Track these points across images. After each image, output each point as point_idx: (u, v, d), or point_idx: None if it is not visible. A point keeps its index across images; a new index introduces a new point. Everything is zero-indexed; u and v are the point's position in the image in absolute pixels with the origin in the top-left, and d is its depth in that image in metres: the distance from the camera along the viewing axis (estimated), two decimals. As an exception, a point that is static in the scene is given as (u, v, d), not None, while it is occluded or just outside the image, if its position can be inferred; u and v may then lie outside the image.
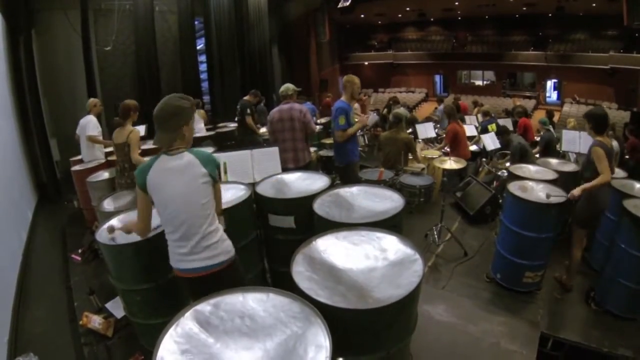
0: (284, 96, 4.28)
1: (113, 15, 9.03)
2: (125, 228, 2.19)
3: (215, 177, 1.95)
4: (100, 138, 5.14)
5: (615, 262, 3.16)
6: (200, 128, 7.58)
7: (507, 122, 7.99)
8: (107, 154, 5.24)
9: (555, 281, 3.67)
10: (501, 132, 6.16)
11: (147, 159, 2.41)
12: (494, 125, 7.01)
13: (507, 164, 5.42)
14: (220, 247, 2.03)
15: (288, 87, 4.31)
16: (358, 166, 4.49)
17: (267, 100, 10.15)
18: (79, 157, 5.58)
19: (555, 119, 11.06)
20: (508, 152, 6.44)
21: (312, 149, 5.93)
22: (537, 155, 5.73)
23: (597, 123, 3.20)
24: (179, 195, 1.90)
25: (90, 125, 4.99)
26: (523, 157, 5.17)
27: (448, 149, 5.84)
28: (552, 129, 6.74)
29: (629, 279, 3.05)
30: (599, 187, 3.10)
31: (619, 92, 15.72)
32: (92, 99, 5.27)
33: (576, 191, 3.13)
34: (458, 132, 5.74)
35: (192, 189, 1.91)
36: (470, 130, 7.15)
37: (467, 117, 9.40)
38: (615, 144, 4.74)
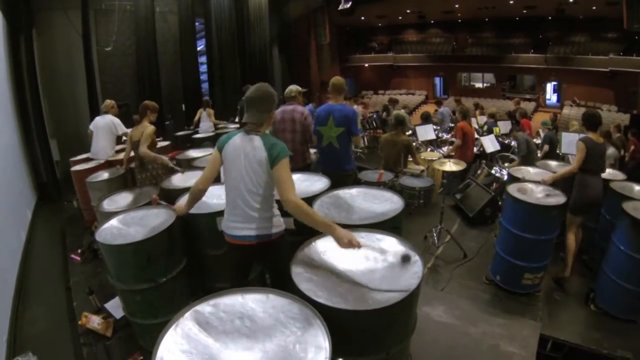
0: (288, 97, 4.25)
1: (113, 16, 9.04)
2: (179, 208, 2.50)
3: (274, 160, 2.01)
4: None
5: (615, 264, 3.16)
6: (209, 126, 7.61)
7: (507, 125, 8.03)
8: (117, 151, 5.40)
9: (553, 281, 3.68)
10: (510, 132, 6.23)
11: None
12: (498, 129, 7.04)
13: (513, 164, 5.46)
14: (272, 222, 2.16)
15: (292, 88, 4.27)
16: None
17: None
18: (79, 157, 5.59)
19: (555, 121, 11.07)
20: (508, 154, 6.47)
21: (313, 151, 5.94)
22: (540, 157, 5.75)
23: (585, 121, 3.60)
24: (242, 171, 2.09)
25: (119, 126, 5.23)
26: (530, 151, 5.26)
27: (459, 142, 5.75)
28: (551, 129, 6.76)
29: (629, 281, 3.05)
30: (583, 175, 3.50)
31: (619, 94, 15.75)
32: (109, 101, 5.40)
33: (547, 178, 3.60)
34: (467, 131, 5.74)
35: (254, 169, 2.07)
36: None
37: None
38: (611, 150, 4.86)
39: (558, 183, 3.68)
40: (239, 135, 2.14)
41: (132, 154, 4.22)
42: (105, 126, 5.15)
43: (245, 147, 2.08)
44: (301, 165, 4.07)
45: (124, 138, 5.42)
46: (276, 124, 4.14)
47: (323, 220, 1.98)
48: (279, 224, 2.21)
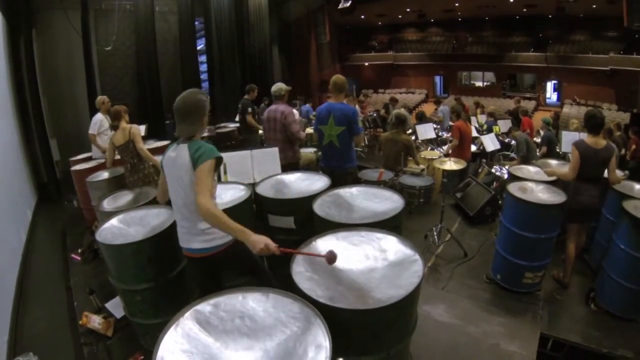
0: (278, 96, 4.38)
1: (113, 15, 9.04)
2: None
3: (196, 163, 1.92)
4: (103, 137, 5.14)
5: (615, 263, 3.16)
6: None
7: (508, 123, 8.02)
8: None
9: (553, 280, 3.68)
10: (509, 131, 6.23)
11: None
12: (498, 128, 7.03)
13: (513, 164, 5.46)
14: (214, 233, 2.06)
15: (281, 87, 4.40)
16: None
17: (270, 101, 10.17)
18: (79, 157, 5.58)
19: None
20: (508, 152, 6.47)
21: (313, 150, 5.95)
22: (539, 156, 5.74)
23: (586, 122, 3.38)
24: (175, 184, 2.05)
25: (92, 123, 5.09)
26: (530, 151, 5.24)
27: (456, 142, 5.74)
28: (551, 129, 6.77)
29: (629, 280, 3.05)
30: (575, 182, 3.35)
31: (619, 93, 15.73)
32: (100, 97, 5.30)
33: (549, 170, 3.58)
34: (464, 130, 5.72)
35: (181, 179, 2.01)
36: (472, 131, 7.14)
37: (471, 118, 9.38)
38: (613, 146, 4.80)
39: (559, 182, 3.68)
40: (172, 148, 2.08)
41: (117, 157, 4.14)
42: (96, 124, 5.10)
43: (175, 158, 2.02)
44: (283, 162, 4.12)
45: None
46: (264, 124, 4.41)
47: (236, 226, 1.83)
48: (223, 234, 2.07)
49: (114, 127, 3.96)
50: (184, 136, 2.05)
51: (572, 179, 3.35)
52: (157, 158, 4.38)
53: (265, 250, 1.79)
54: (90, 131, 5.08)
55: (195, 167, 1.91)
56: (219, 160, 1.98)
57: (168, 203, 2.32)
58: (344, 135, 3.74)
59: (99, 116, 5.13)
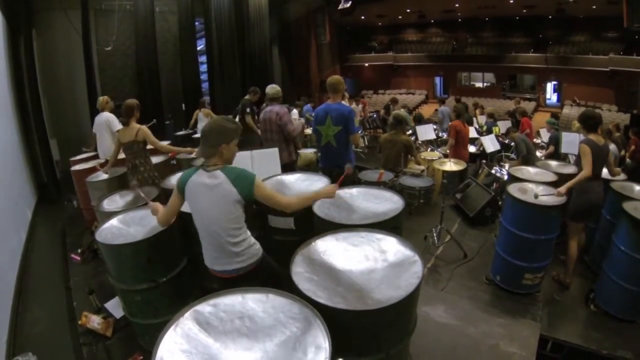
0: (276, 98, 4.45)
1: (113, 16, 9.04)
2: (154, 207, 2.36)
3: (248, 195, 2.00)
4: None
5: (615, 264, 3.16)
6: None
7: (507, 124, 8.02)
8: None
9: (553, 281, 3.68)
10: (508, 132, 6.23)
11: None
12: (497, 128, 7.03)
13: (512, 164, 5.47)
14: (247, 254, 2.12)
15: (278, 89, 4.50)
16: None
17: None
18: (79, 157, 5.58)
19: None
20: (509, 153, 6.47)
21: (312, 150, 5.95)
22: (543, 158, 5.73)
23: (584, 122, 3.44)
24: (208, 210, 2.03)
25: (115, 122, 5.02)
26: (529, 151, 5.24)
27: (452, 141, 5.71)
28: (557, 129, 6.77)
29: (629, 281, 3.05)
30: (586, 181, 3.26)
31: (619, 94, 15.74)
32: (102, 97, 5.20)
33: (562, 189, 3.26)
34: (461, 129, 5.70)
35: (220, 206, 2.01)
36: (471, 132, 7.13)
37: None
38: (612, 147, 4.78)
39: (560, 183, 3.68)
40: (197, 173, 2.06)
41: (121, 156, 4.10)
42: (103, 125, 5.04)
43: (208, 186, 2.01)
44: (284, 163, 4.15)
45: None
46: (261, 125, 4.52)
47: (311, 196, 2.27)
48: (254, 253, 2.17)
49: (125, 122, 3.87)
50: (200, 157, 2.08)
51: (590, 174, 3.25)
52: (154, 160, 4.41)
53: (334, 192, 2.27)
54: (116, 128, 4.96)
55: (250, 195, 2.00)
56: (256, 177, 2.05)
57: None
58: (340, 135, 3.78)
59: (109, 115, 5.07)
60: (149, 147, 3.99)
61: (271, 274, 2.27)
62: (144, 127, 3.88)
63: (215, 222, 2.03)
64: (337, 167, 3.82)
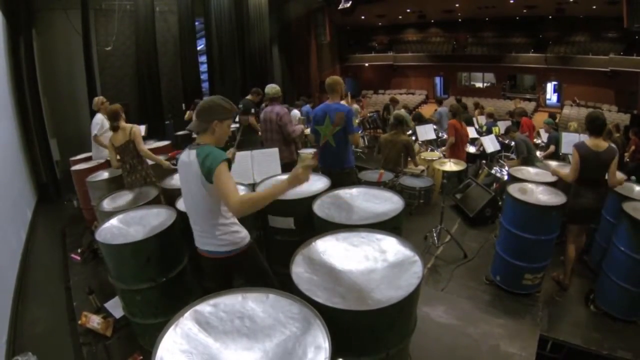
0: (273, 98, 4.46)
1: (113, 16, 9.05)
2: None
3: (207, 177, 1.92)
4: (106, 137, 5.09)
5: (615, 265, 3.16)
6: None
7: (508, 124, 8.01)
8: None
9: (553, 281, 3.68)
10: (508, 131, 6.21)
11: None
12: (497, 129, 7.02)
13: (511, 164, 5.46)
14: (228, 239, 2.13)
15: (277, 89, 4.50)
16: None
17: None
18: (79, 157, 5.58)
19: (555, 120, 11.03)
20: (509, 153, 6.46)
21: (312, 150, 5.94)
22: (541, 157, 5.73)
23: (588, 124, 3.38)
24: (185, 188, 2.13)
25: (93, 124, 5.02)
26: (529, 152, 5.24)
27: (453, 139, 5.69)
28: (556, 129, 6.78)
29: (628, 282, 3.05)
30: (575, 184, 3.39)
31: (619, 94, 15.74)
32: (97, 98, 5.19)
33: (554, 168, 3.60)
34: (458, 129, 5.69)
35: (192, 186, 2.05)
36: (471, 132, 7.13)
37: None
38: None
39: (560, 183, 3.68)
40: (184, 152, 2.13)
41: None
42: (99, 125, 5.01)
43: (186, 162, 2.07)
44: (285, 162, 4.15)
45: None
46: (261, 125, 4.56)
47: (273, 191, 1.95)
48: (234, 241, 2.14)
49: (114, 127, 3.86)
50: (192, 130, 2.12)
51: (572, 180, 3.38)
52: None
53: (306, 175, 1.96)
54: (93, 132, 5.02)
55: (210, 177, 1.89)
56: (229, 162, 1.96)
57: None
58: (339, 135, 3.76)
59: (99, 117, 5.07)
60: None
61: (256, 270, 2.29)
62: (136, 127, 3.88)
63: (191, 200, 2.09)
64: (336, 168, 3.84)
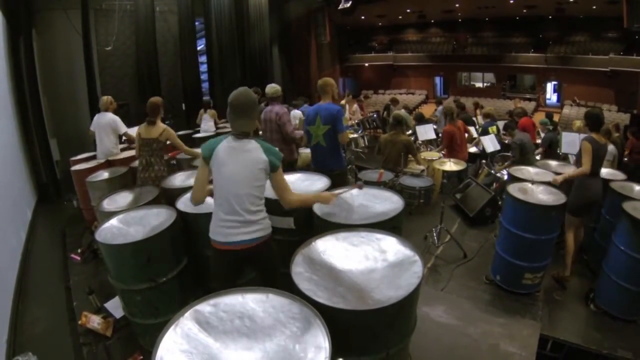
0: (276, 97, 4.47)
1: (114, 15, 9.05)
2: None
3: (274, 167, 2.14)
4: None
5: (615, 264, 3.16)
6: (209, 126, 7.67)
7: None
8: (122, 149, 5.34)
9: (553, 280, 3.68)
10: (506, 128, 6.19)
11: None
12: (494, 128, 7.00)
13: (505, 166, 5.45)
14: (263, 223, 2.22)
15: (278, 89, 4.51)
16: None
17: (267, 102, 10.16)
18: (79, 157, 5.57)
19: (555, 120, 11.02)
20: (508, 154, 6.45)
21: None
22: (538, 158, 5.72)
23: (590, 121, 3.55)
24: (237, 173, 2.11)
25: (119, 123, 5.03)
26: (523, 154, 5.23)
27: (443, 147, 5.74)
28: (551, 129, 6.75)
29: (628, 281, 3.05)
30: (584, 177, 3.47)
31: (619, 94, 15.74)
32: (106, 97, 5.15)
33: (559, 178, 3.52)
34: (454, 134, 5.68)
35: (249, 170, 2.11)
36: (472, 132, 7.11)
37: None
38: (611, 147, 4.80)
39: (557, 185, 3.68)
40: (227, 140, 2.14)
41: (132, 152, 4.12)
42: (107, 125, 4.98)
43: (238, 150, 2.11)
44: (285, 161, 4.10)
45: (124, 138, 5.39)
46: (261, 125, 4.53)
47: (313, 199, 2.45)
48: (268, 225, 2.28)
49: (152, 122, 3.84)
50: (242, 130, 2.16)
51: (588, 171, 3.45)
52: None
53: (333, 202, 2.40)
54: (122, 130, 5.08)
55: (275, 169, 2.15)
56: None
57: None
58: (329, 135, 3.84)
59: (113, 116, 5.03)
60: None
61: (273, 261, 2.36)
62: (170, 129, 3.89)
63: (241, 186, 2.10)
64: (326, 169, 3.79)
